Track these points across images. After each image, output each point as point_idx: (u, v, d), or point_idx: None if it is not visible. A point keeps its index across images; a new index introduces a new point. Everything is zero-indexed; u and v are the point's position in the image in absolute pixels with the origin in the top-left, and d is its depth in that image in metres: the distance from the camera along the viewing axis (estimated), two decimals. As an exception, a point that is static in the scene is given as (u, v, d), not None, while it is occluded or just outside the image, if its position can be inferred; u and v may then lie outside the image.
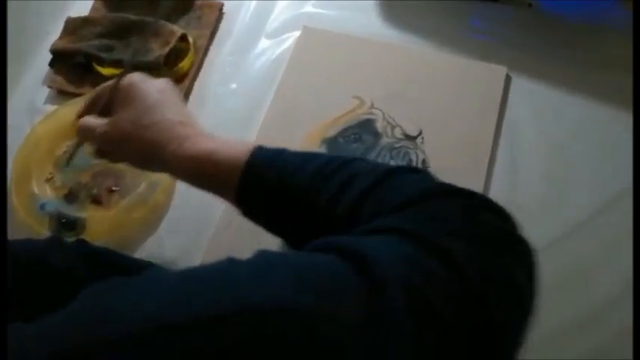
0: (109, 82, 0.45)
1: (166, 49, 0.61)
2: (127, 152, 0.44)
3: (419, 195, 0.32)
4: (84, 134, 0.45)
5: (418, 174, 0.36)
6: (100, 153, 0.46)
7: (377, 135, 0.58)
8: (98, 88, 0.46)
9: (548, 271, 0.49)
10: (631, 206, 0.50)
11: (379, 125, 0.58)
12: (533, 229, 0.50)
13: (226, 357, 0.22)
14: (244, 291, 0.24)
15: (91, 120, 0.44)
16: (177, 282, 0.26)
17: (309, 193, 0.36)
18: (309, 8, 0.67)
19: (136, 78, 0.43)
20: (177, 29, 0.63)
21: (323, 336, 0.23)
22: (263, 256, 0.28)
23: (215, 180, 0.40)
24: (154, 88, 0.43)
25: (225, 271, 0.27)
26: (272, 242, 0.51)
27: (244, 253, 0.53)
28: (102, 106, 0.45)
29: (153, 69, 0.60)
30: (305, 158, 0.38)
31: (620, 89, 0.56)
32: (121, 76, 0.44)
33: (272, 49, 0.65)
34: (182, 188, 0.56)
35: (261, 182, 0.37)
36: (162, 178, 0.55)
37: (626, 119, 0.54)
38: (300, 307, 0.24)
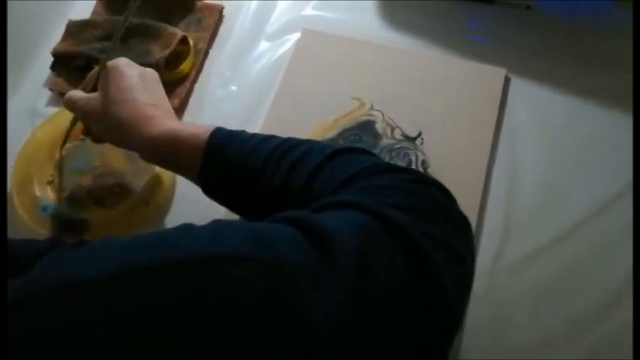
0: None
1: (167, 52, 0.61)
2: (102, 129, 0.46)
3: (363, 171, 0.35)
4: (67, 104, 0.49)
5: (365, 154, 0.38)
6: (85, 130, 0.51)
7: (377, 136, 0.58)
8: (94, 70, 0.50)
9: (546, 272, 0.50)
10: (629, 207, 0.51)
11: (379, 126, 0.58)
12: (531, 229, 0.51)
13: (186, 302, 0.23)
14: (205, 244, 0.26)
15: (76, 93, 0.49)
16: (141, 238, 0.27)
17: (263, 172, 0.38)
18: (308, 10, 0.68)
19: (122, 62, 0.46)
20: (178, 32, 0.63)
21: (279, 282, 0.25)
22: (219, 221, 0.30)
23: (177, 159, 0.42)
24: (134, 72, 0.46)
25: (185, 229, 0.28)
26: None
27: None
28: (92, 85, 0.49)
29: (153, 71, 0.60)
30: (262, 138, 0.40)
31: (619, 90, 0.56)
32: (108, 58, 0.47)
33: (272, 51, 0.65)
34: (183, 187, 0.57)
35: (220, 161, 0.39)
36: (163, 177, 0.55)
37: (626, 120, 0.55)
38: (259, 259, 0.25)
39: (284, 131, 0.59)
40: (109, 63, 0.46)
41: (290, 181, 0.36)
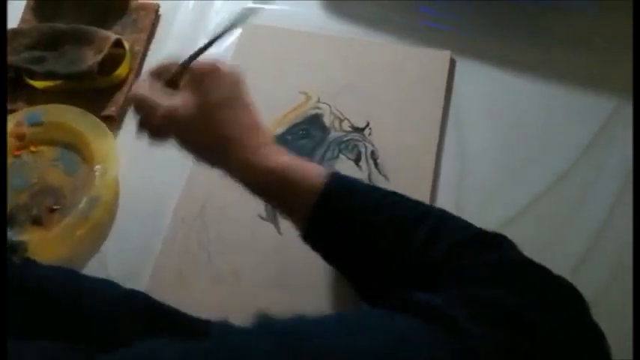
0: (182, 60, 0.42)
1: (100, 57, 0.58)
2: (189, 139, 0.40)
3: (508, 268, 0.33)
4: (141, 103, 0.40)
5: (501, 248, 0.36)
6: (149, 126, 0.41)
7: (325, 129, 0.56)
8: (166, 61, 0.43)
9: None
10: (583, 178, 0.50)
11: (327, 119, 0.57)
12: (484, 211, 0.50)
13: None
14: None
15: (157, 92, 0.40)
16: None
17: (388, 235, 0.35)
18: (249, 4, 0.65)
19: (217, 65, 0.40)
20: (111, 35, 0.60)
21: None
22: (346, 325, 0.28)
23: (283, 198, 0.39)
24: (229, 79, 0.40)
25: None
26: (221, 257, 0.50)
27: (192, 269, 0.51)
28: (168, 80, 0.41)
29: (87, 78, 0.57)
30: (385, 194, 0.38)
31: (566, 65, 0.56)
32: (198, 54, 0.41)
33: (214, 49, 0.63)
34: (125, 205, 0.54)
35: (337, 213, 0.37)
36: (103, 193, 0.52)
37: (571, 97, 0.54)
38: None
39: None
40: (207, 64, 0.40)
41: (425, 254, 0.34)
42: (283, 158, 0.39)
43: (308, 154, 0.55)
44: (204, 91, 0.39)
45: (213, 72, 0.40)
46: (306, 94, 0.58)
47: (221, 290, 0.49)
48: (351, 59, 0.59)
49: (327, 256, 0.40)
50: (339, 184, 0.37)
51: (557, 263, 0.47)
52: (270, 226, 0.52)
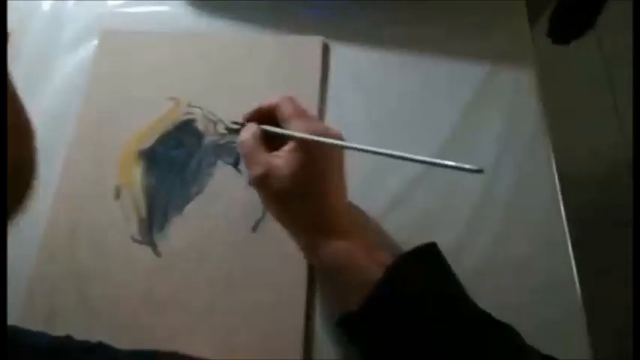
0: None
1: None
2: (275, 208, 0.40)
3: None
4: (252, 160, 0.39)
5: None
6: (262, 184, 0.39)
7: (199, 135, 0.52)
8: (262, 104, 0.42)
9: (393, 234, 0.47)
10: (465, 150, 0.49)
11: (200, 124, 0.53)
12: (365, 200, 0.48)
13: None
14: None
15: (261, 153, 0.39)
16: None
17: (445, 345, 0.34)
18: (106, 9, 0.60)
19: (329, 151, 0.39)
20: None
21: None
22: None
23: (342, 281, 0.38)
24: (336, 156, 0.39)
25: None
26: (94, 288, 0.45)
27: (64, 307, 0.46)
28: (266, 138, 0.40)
29: None
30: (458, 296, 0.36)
31: (443, 42, 0.54)
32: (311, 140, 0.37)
33: (71, 64, 0.58)
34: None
35: (385, 313, 0.35)
36: None
37: (444, 74, 0.53)
38: None
39: (94, 150, 0.52)
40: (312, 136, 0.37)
41: None
42: (351, 246, 0.38)
43: (182, 164, 0.51)
44: (292, 162, 0.38)
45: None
46: (174, 99, 0.54)
47: (97, 324, 0.45)
48: (220, 57, 0.56)
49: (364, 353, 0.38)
50: (387, 293, 0.35)
51: (443, 234, 0.46)
52: (147, 249, 0.48)
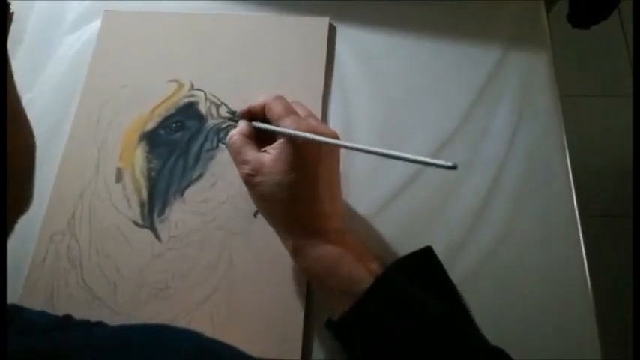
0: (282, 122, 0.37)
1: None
2: (262, 203, 0.39)
3: None
4: (239, 159, 0.39)
5: None
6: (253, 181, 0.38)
7: (201, 118, 0.51)
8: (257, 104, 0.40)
9: (388, 228, 0.46)
10: (470, 140, 0.48)
11: (202, 107, 0.52)
12: (374, 183, 0.47)
13: None
14: None
15: (249, 149, 0.39)
16: None
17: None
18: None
19: (323, 151, 0.37)
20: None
21: None
22: None
23: (330, 283, 0.37)
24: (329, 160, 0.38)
25: None
26: (95, 272, 0.45)
27: (64, 289, 0.46)
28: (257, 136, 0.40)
29: None
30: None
31: (444, 20, 0.52)
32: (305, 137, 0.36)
33: (74, 45, 0.57)
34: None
35: (370, 319, 0.34)
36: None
37: (454, 56, 0.51)
38: None
39: (97, 133, 0.51)
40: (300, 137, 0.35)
41: None
42: (335, 248, 0.37)
43: (184, 147, 0.50)
44: (282, 159, 0.37)
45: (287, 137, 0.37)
46: (177, 81, 0.53)
47: (96, 308, 0.44)
48: (225, 38, 0.55)
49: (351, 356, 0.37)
50: (379, 297, 0.34)
51: (452, 225, 0.45)
52: (148, 232, 0.47)
